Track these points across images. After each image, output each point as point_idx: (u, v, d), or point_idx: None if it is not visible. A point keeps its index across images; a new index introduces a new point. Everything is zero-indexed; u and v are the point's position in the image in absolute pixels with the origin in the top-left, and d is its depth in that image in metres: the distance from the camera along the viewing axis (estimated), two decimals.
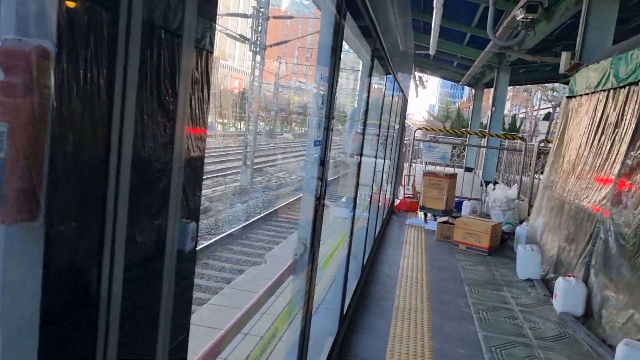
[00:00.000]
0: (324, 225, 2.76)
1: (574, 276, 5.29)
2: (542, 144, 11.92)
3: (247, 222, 11.38)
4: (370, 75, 4.27)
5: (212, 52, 0.90)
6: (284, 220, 12.13)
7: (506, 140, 16.06)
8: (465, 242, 7.84)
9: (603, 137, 5.72)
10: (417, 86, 20.98)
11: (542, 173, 11.16)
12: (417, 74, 20.11)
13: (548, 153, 10.60)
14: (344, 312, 4.34)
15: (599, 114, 5.97)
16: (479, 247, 7.70)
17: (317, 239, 2.33)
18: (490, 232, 7.65)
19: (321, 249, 2.72)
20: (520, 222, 9.15)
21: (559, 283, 5.27)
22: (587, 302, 5.06)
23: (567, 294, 5.15)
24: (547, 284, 6.13)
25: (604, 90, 5.95)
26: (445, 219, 8.93)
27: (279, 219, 12.09)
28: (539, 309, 5.43)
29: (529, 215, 9.64)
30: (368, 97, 4.20)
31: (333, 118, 2.39)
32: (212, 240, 9.66)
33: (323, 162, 2.31)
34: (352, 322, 4.61)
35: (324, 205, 2.63)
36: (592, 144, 5.99)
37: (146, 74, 0.71)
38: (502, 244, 8.32)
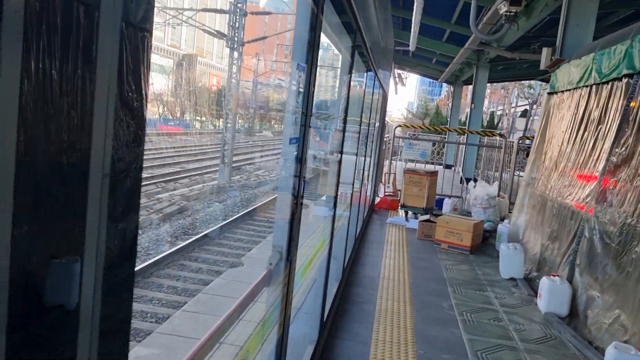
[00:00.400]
0: (302, 225, 2.58)
1: (558, 275, 5.19)
2: (520, 141, 11.91)
3: (224, 222, 11.12)
4: (350, 72, 4.10)
5: (149, 33, 0.71)
6: (263, 219, 11.90)
7: (485, 137, 16.07)
8: (447, 241, 7.73)
9: (586, 133, 5.64)
10: (396, 83, 20.91)
11: (521, 170, 11.14)
12: (397, 71, 20.03)
13: (527, 150, 10.59)
14: (324, 318, 4.16)
15: (581, 110, 5.89)
16: (461, 246, 7.59)
17: (295, 245, 2.14)
18: (472, 231, 7.55)
19: (299, 254, 2.54)
20: (502, 220, 9.09)
21: (544, 282, 5.17)
22: (572, 302, 4.97)
23: (551, 294, 5.05)
24: (531, 283, 6.04)
25: (586, 86, 5.87)
26: (426, 217, 8.81)
27: (258, 219, 11.86)
28: (523, 309, 5.32)
29: (509, 212, 9.60)
30: (348, 93, 4.02)
31: (311, 115, 2.21)
32: (188, 241, 9.40)
33: (301, 160, 2.13)
34: (333, 327, 4.44)
35: (302, 205, 2.44)
36: (575, 140, 5.91)
37: (37, 53, 0.52)
38: (484, 242, 8.23)
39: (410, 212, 10.25)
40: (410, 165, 12.80)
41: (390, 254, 7.22)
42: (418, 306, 5.14)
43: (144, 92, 0.70)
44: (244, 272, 5.48)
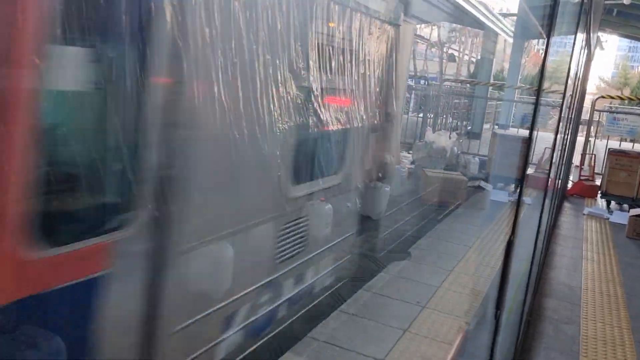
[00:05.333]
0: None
1: None
2: None
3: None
4: (576, 32, 3.17)
5: None
6: (431, 204, 10.87)
7: None
8: None
9: None
10: (595, 47, 17.96)
11: None
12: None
13: None
14: (517, 341, 3.24)
15: None
16: None
17: (505, 292, 1.31)
18: None
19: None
20: None
21: None
22: None
23: None
24: None
25: None
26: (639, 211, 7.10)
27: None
28: None
29: None
30: (571, 59, 3.14)
31: (543, 90, 1.41)
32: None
33: (528, 150, 1.34)
34: (523, 355, 3.47)
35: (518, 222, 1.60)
36: None
37: None
38: None
39: (613, 202, 8.49)
40: (613, 144, 10.73)
41: (592, 255, 5.85)
42: None
43: None
44: (411, 269, 4.76)
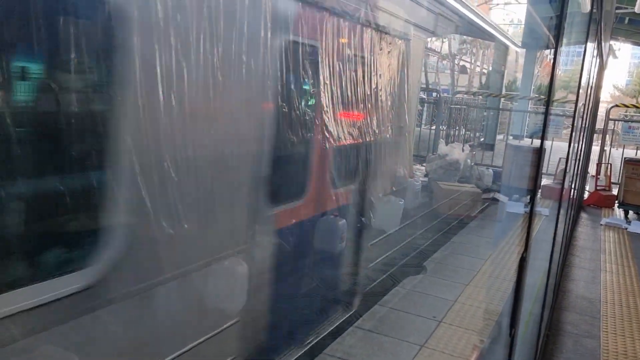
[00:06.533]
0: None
1: None
2: None
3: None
4: (586, 41, 3.18)
5: None
6: (447, 217, 10.77)
7: None
8: None
9: None
10: (607, 55, 17.85)
11: None
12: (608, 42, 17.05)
13: None
14: (536, 356, 3.19)
15: None
16: None
17: (519, 309, 1.31)
18: None
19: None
20: None
21: None
22: None
23: None
24: None
25: None
26: None
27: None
28: None
29: None
30: (582, 69, 3.16)
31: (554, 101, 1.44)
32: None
33: (539, 160, 1.36)
34: None
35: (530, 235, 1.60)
36: None
37: None
38: None
39: (631, 212, 8.37)
40: (629, 152, 10.60)
41: (611, 267, 5.76)
42: None
43: None
44: (427, 284, 4.71)
